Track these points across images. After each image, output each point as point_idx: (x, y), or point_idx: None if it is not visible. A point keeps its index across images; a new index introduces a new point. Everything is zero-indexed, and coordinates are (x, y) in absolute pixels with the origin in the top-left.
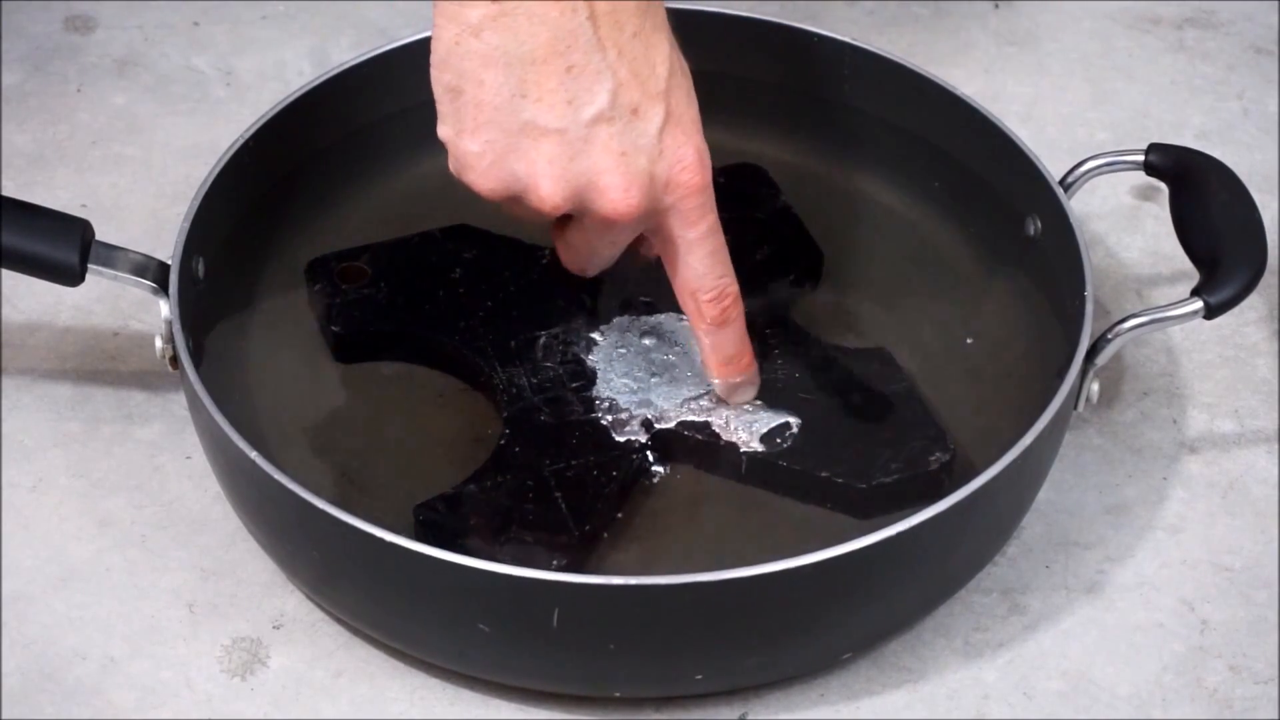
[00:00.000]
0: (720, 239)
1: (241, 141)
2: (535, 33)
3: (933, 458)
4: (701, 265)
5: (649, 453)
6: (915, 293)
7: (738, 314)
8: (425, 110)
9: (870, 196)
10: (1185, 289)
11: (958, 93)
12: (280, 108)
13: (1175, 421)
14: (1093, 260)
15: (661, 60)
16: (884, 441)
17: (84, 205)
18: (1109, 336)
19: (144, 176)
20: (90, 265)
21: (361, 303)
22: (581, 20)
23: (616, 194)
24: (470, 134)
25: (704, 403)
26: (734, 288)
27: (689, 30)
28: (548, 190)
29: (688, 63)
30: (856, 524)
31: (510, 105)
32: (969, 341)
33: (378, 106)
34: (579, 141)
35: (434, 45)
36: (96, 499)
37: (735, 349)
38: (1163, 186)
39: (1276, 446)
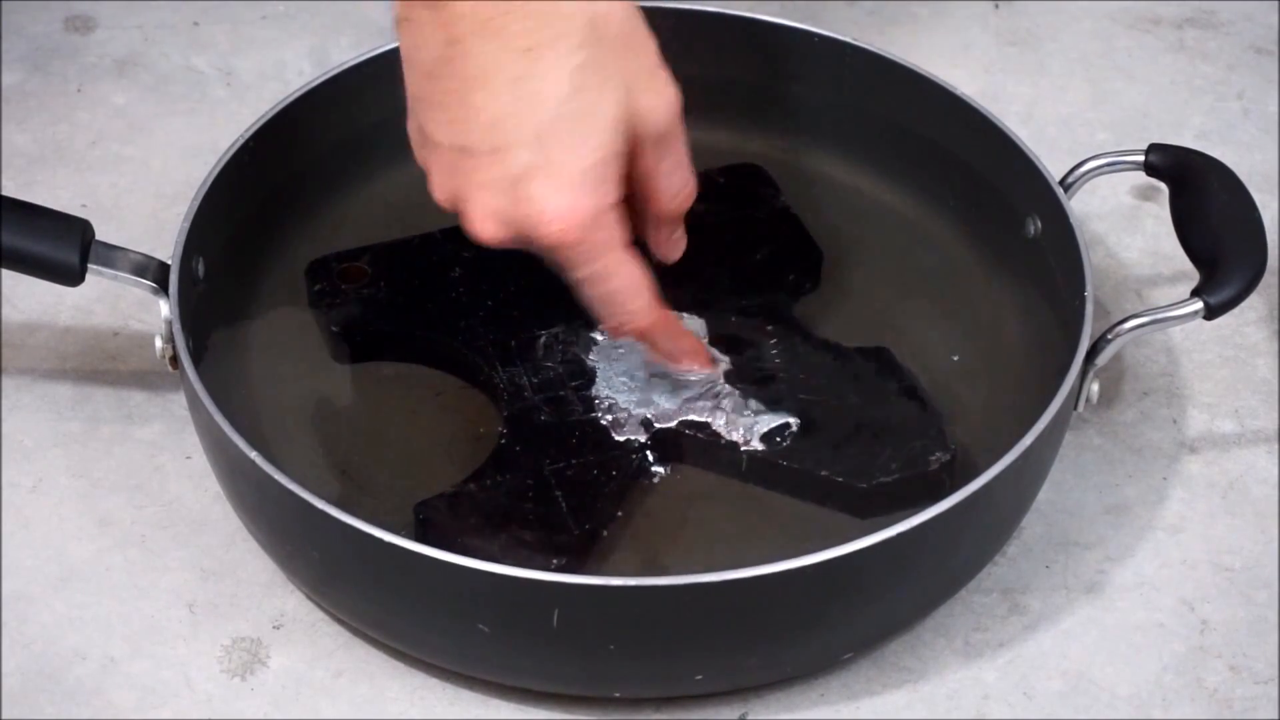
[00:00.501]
0: (613, 284)
1: (241, 141)
2: (427, 48)
3: (933, 458)
4: (591, 304)
5: (649, 452)
6: (915, 293)
7: (648, 334)
8: None
9: (870, 196)
10: (1185, 289)
11: (958, 93)
12: (280, 108)
13: (1175, 421)
14: (1093, 260)
15: (547, 106)
16: (884, 441)
17: (84, 205)
18: (1109, 337)
19: (144, 176)
20: (90, 265)
21: (362, 303)
22: (457, 51)
23: (474, 223)
24: (409, 115)
25: (704, 402)
26: (636, 322)
27: (689, 30)
28: (434, 192)
29: (689, 63)
30: (856, 524)
31: (415, 106)
32: (968, 342)
33: (378, 106)
34: (452, 162)
35: None
36: (96, 499)
37: (668, 354)
38: (1163, 186)
39: (1276, 446)
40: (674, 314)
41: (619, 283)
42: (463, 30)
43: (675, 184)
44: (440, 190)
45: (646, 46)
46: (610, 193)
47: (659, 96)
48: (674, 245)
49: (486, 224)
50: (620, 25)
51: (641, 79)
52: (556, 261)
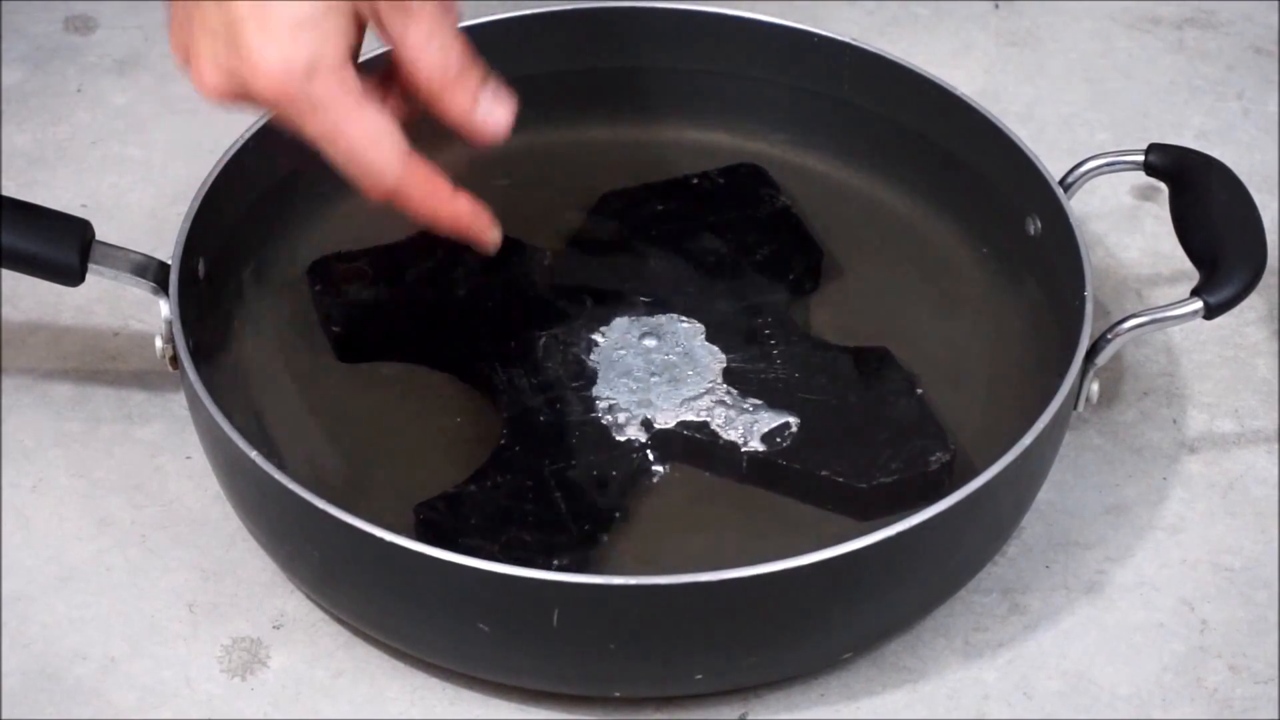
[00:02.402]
0: (345, 142)
1: (241, 141)
2: None
3: (933, 458)
4: (339, 171)
5: (649, 452)
6: (915, 293)
7: (401, 192)
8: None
9: (870, 196)
10: (1185, 289)
11: (958, 93)
12: None
13: (1175, 421)
14: (1093, 260)
15: None
16: (884, 441)
17: (84, 205)
18: (1109, 336)
19: (144, 176)
20: (90, 265)
21: (362, 303)
22: None
23: (198, 74)
24: None
25: (704, 402)
26: (384, 179)
27: (690, 31)
28: (171, 46)
29: (689, 63)
30: (856, 524)
31: None
32: (968, 342)
33: None
34: (185, 12)
35: None
36: (96, 499)
37: (431, 217)
38: (1163, 186)
39: (1276, 446)
40: (431, 169)
41: (351, 140)
42: None
43: (433, 55)
44: (175, 44)
45: None
46: (328, 47)
47: None
48: (484, 123)
49: (207, 72)
50: None
51: None
52: (285, 122)
